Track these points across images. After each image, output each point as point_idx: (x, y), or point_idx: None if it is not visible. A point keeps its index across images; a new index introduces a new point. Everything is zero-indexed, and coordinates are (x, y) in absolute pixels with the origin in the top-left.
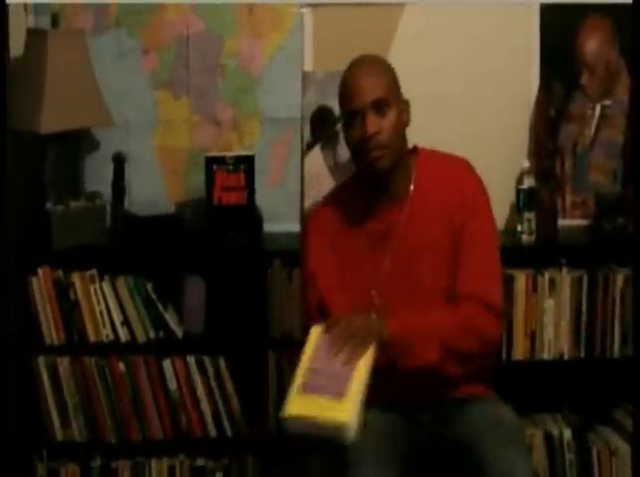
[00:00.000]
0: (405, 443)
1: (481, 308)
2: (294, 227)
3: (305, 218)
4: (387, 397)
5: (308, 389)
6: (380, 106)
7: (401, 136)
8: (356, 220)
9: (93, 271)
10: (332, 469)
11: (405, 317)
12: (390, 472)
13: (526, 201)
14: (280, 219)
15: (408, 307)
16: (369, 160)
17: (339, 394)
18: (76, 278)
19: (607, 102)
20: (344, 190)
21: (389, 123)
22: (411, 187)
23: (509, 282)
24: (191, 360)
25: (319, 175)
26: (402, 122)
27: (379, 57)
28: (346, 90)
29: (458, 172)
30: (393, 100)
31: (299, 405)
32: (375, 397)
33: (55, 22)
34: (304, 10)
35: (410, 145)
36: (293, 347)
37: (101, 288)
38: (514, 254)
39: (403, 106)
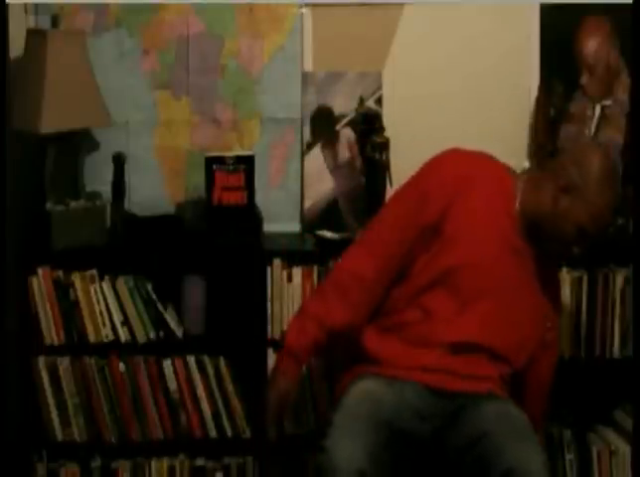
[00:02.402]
0: (409, 420)
1: None
2: (294, 227)
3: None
4: (418, 380)
5: None
6: None
7: None
8: (500, 225)
9: (93, 271)
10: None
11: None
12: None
13: None
14: (280, 219)
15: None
16: (567, 251)
17: None
18: (76, 278)
19: (607, 102)
20: (498, 177)
21: None
22: None
23: None
24: (191, 360)
25: (319, 175)
26: None
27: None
28: (587, 206)
29: None
30: None
31: None
32: (403, 377)
33: (55, 22)
34: (304, 10)
35: None
36: None
37: (101, 288)
38: None
39: None
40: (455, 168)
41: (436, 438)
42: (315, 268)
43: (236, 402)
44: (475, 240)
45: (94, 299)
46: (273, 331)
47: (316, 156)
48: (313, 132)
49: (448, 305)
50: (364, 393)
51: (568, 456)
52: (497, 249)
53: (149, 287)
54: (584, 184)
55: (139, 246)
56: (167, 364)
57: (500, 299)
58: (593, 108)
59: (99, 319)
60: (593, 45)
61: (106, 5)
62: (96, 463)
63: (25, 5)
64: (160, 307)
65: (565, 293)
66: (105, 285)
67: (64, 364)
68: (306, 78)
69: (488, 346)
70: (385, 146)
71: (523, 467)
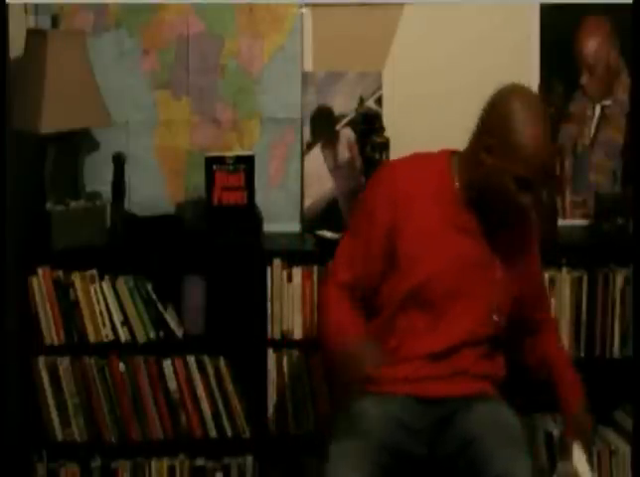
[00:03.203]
0: (405, 433)
1: None
2: (294, 227)
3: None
4: (405, 392)
5: None
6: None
7: None
8: (445, 208)
9: (93, 271)
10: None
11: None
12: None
13: None
14: (280, 219)
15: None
16: (518, 206)
17: None
18: (76, 278)
19: (607, 102)
20: (435, 171)
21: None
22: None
23: None
24: (191, 360)
25: (319, 175)
26: None
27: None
28: (515, 155)
29: None
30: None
31: None
32: (389, 391)
33: (55, 22)
34: (304, 10)
35: None
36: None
37: (101, 288)
38: None
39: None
40: (393, 181)
41: (432, 451)
42: (315, 268)
43: (236, 402)
44: (432, 251)
45: (94, 299)
46: (273, 331)
47: (316, 156)
48: (313, 132)
49: (423, 320)
50: (355, 417)
51: None
52: (455, 247)
53: (149, 287)
54: (506, 134)
55: (139, 246)
56: (167, 364)
57: (471, 293)
58: (593, 108)
59: (99, 319)
60: (593, 45)
61: (106, 5)
62: (96, 463)
63: (25, 5)
64: (160, 307)
65: (565, 293)
66: (105, 285)
67: (64, 364)
68: (306, 78)
69: (467, 339)
70: (385, 146)
71: (509, 475)
